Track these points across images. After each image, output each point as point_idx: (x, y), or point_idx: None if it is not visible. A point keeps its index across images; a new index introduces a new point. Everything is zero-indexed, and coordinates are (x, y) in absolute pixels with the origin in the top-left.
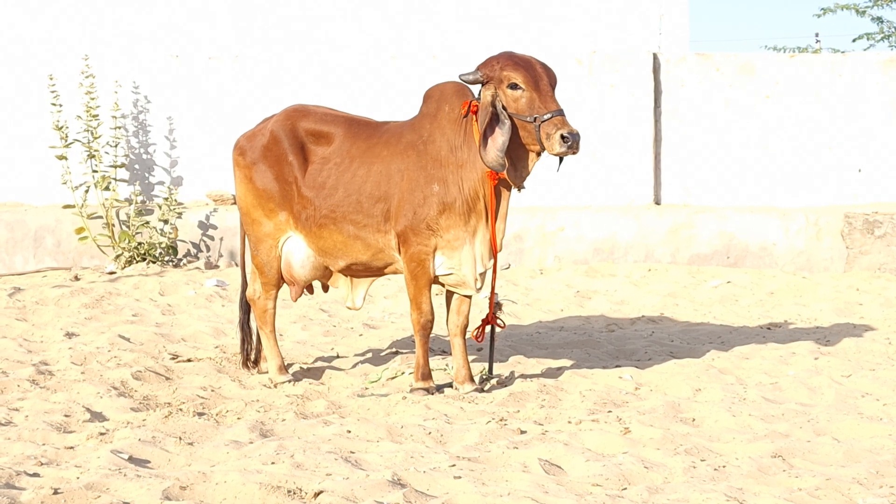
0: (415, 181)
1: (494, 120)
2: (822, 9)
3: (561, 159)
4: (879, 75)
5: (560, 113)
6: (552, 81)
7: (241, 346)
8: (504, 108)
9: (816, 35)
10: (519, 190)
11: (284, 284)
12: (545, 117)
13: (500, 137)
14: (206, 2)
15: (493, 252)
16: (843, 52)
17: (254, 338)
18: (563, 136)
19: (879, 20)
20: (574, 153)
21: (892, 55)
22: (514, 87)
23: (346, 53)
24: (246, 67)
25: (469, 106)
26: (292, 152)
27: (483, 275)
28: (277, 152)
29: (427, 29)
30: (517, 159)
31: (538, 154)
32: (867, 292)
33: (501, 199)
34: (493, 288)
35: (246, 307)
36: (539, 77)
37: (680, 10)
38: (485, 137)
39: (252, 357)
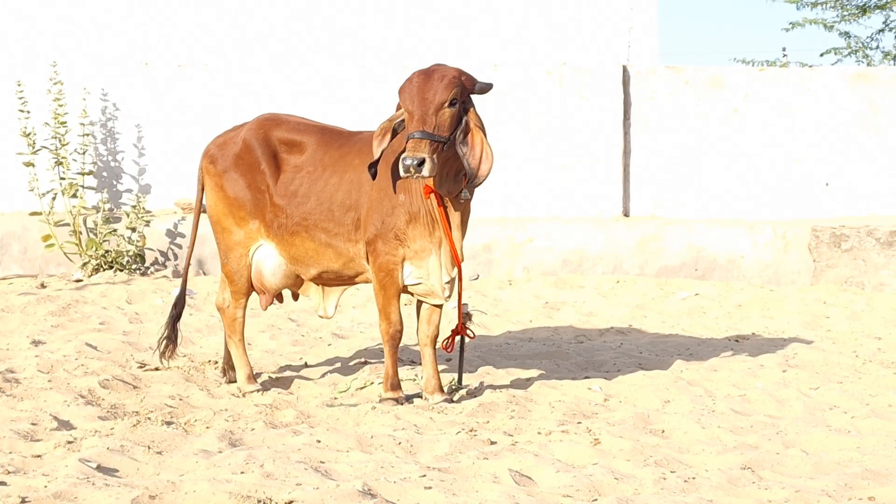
0: (384, 190)
1: (387, 133)
2: (791, 23)
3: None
4: (847, 90)
5: (412, 136)
6: (428, 98)
7: (161, 341)
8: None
9: (783, 49)
10: (461, 200)
11: (253, 293)
12: (408, 140)
13: (378, 148)
14: (177, 10)
15: (456, 261)
16: (811, 67)
17: (178, 337)
18: (403, 160)
19: (847, 35)
20: (412, 176)
21: (859, 70)
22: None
23: (317, 63)
24: (216, 76)
25: None
26: (265, 161)
27: (449, 283)
28: (250, 161)
29: (401, 38)
30: (445, 175)
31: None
32: (834, 305)
33: (450, 210)
34: (459, 298)
35: (179, 306)
36: (413, 97)
37: (649, 23)
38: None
39: (165, 350)
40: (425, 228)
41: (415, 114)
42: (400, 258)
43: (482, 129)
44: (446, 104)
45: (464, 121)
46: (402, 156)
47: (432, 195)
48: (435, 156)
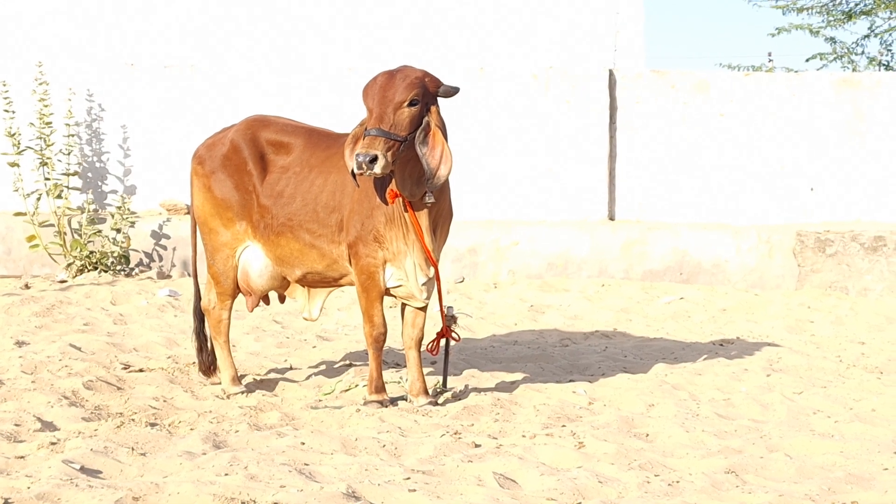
0: (363, 192)
1: (359, 138)
2: (777, 28)
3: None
4: (832, 95)
5: (368, 133)
6: (388, 96)
7: (199, 354)
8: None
9: (769, 54)
10: (426, 203)
11: (239, 295)
12: (364, 136)
13: (351, 155)
14: (163, 10)
15: (432, 262)
16: (797, 72)
17: (209, 346)
18: (356, 156)
19: (833, 40)
20: (365, 173)
21: (844, 75)
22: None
23: (304, 65)
24: (201, 77)
25: None
26: (252, 162)
27: (426, 285)
28: (237, 162)
29: (387, 41)
30: (407, 177)
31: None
32: (818, 310)
33: (418, 212)
34: (440, 300)
35: (200, 315)
36: (374, 95)
37: (636, 27)
38: None
39: (210, 365)
40: (400, 230)
41: (373, 111)
42: (381, 261)
43: (444, 131)
44: (406, 103)
45: (424, 121)
46: (356, 152)
47: (399, 199)
48: (389, 154)
